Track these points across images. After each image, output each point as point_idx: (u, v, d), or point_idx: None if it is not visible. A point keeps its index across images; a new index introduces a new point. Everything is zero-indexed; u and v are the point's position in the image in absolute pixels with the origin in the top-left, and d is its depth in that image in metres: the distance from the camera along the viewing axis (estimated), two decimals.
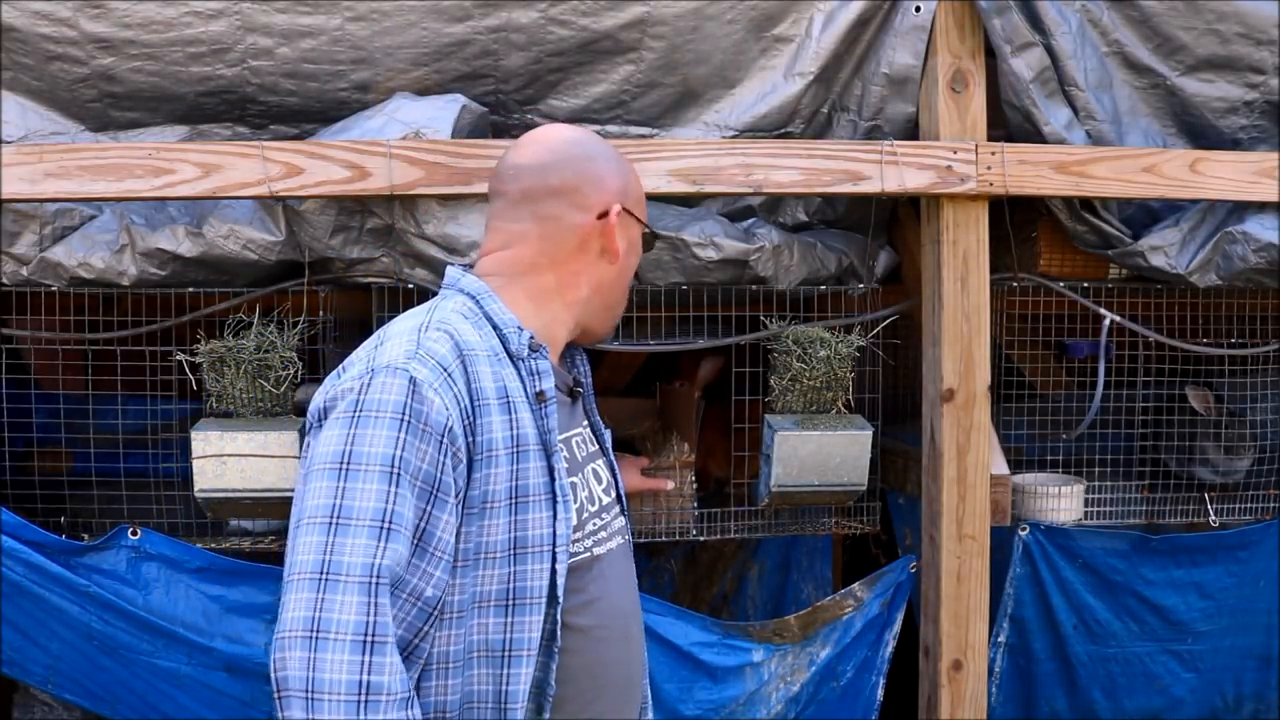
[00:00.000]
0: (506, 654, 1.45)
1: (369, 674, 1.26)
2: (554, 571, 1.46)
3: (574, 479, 1.55)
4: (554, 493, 1.48)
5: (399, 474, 1.34)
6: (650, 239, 1.72)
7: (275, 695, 1.28)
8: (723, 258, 2.65)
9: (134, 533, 2.52)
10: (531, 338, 1.53)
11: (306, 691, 1.25)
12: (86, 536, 2.57)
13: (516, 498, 1.46)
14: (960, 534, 2.68)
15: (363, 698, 1.25)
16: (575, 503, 1.53)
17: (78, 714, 2.84)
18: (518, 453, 1.46)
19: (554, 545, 1.46)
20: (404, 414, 1.37)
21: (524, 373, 1.51)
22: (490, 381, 1.46)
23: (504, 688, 1.45)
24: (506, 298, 1.57)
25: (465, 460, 1.41)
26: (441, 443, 1.38)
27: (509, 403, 1.47)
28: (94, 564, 2.51)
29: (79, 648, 2.51)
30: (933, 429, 2.72)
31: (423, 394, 1.38)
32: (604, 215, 1.60)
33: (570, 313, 1.61)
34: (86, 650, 2.52)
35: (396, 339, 1.48)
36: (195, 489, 2.41)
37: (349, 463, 1.35)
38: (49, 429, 2.77)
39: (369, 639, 1.27)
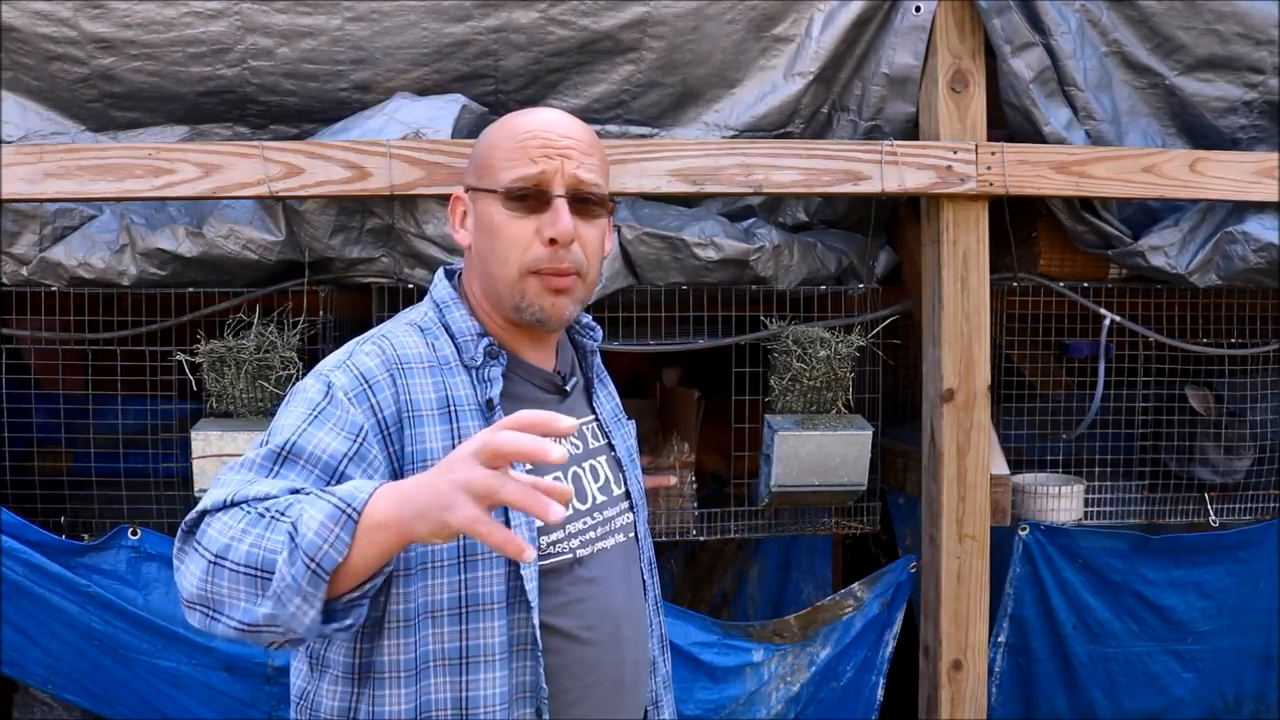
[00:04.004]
0: (464, 661, 1.45)
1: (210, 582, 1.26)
2: (520, 577, 1.46)
3: (540, 480, 1.53)
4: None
5: (285, 455, 1.37)
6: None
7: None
8: (723, 258, 2.65)
9: (134, 533, 2.52)
10: (490, 344, 1.53)
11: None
12: (86, 536, 2.57)
13: None
14: (960, 534, 2.68)
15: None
16: None
17: (78, 714, 2.84)
18: None
19: None
20: (312, 410, 1.41)
21: (475, 381, 1.52)
22: (429, 393, 1.48)
23: (464, 694, 1.45)
24: (470, 296, 1.58)
25: (389, 466, 1.43)
26: (354, 440, 1.40)
27: (451, 412, 1.48)
28: (94, 564, 2.51)
29: (79, 648, 2.52)
30: (933, 429, 2.72)
31: (336, 397, 1.42)
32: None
33: (483, 302, 1.59)
34: (86, 650, 2.52)
35: (342, 348, 1.52)
36: (195, 489, 2.42)
37: (259, 443, 1.42)
38: (49, 429, 2.77)
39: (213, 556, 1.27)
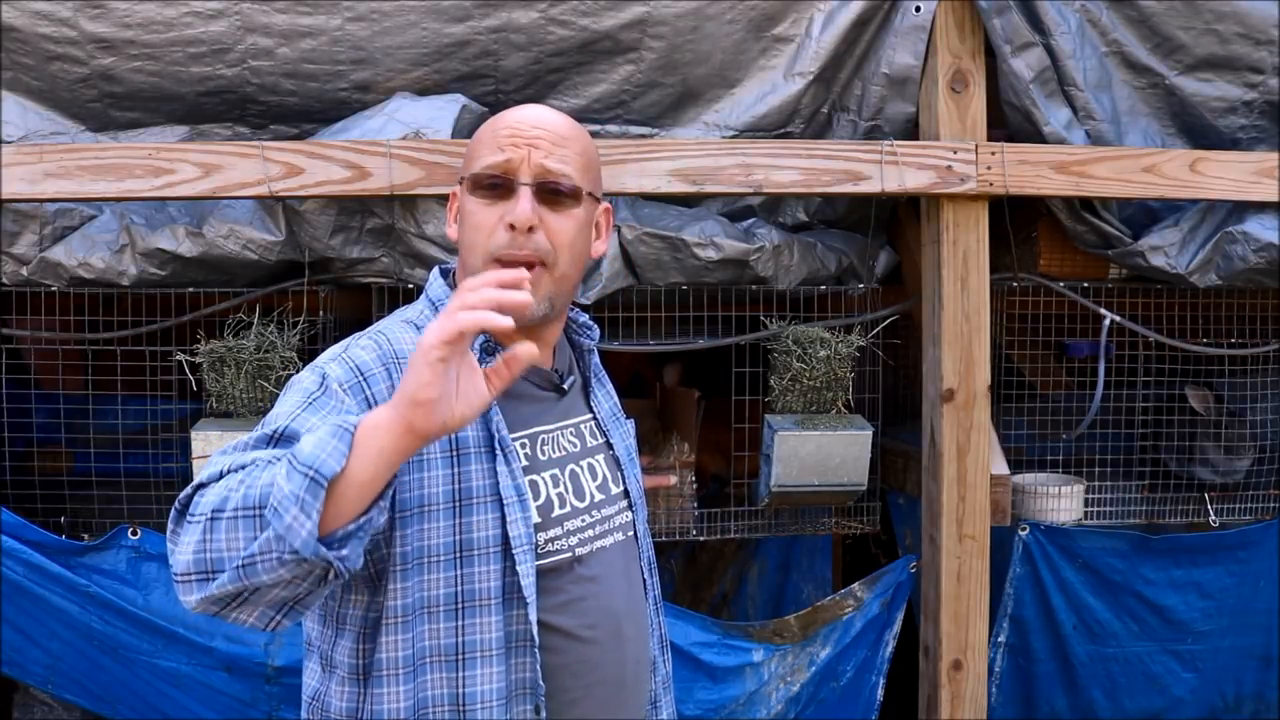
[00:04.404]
0: (460, 657, 1.45)
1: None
2: (516, 573, 1.47)
3: (537, 477, 1.54)
4: (500, 494, 1.47)
5: (278, 439, 1.36)
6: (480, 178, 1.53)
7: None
8: (723, 258, 2.65)
9: (134, 533, 2.52)
10: (486, 340, 1.53)
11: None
12: (86, 536, 2.57)
13: (459, 500, 1.46)
14: (960, 534, 2.68)
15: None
16: (538, 501, 1.52)
17: (78, 714, 2.84)
18: (457, 456, 1.47)
19: (507, 546, 1.47)
20: (306, 399, 1.41)
21: None
22: None
23: (460, 690, 1.45)
24: None
25: None
26: None
27: None
28: (94, 564, 2.51)
29: (79, 648, 2.52)
30: (933, 429, 2.72)
31: (330, 388, 1.42)
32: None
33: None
34: (86, 650, 2.52)
35: (338, 344, 1.53)
36: None
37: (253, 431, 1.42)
38: (49, 429, 2.77)
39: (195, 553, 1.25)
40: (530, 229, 1.48)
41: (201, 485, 1.29)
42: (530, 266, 1.49)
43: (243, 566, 1.21)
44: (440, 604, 1.45)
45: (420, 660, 1.45)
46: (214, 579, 1.23)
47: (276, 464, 1.23)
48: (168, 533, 1.30)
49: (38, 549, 2.46)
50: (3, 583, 2.44)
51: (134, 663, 2.52)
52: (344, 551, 1.22)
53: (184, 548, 1.25)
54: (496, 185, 1.50)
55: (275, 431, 1.35)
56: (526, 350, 1.25)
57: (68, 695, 2.58)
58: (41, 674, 2.54)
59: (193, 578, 1.25)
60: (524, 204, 1.48)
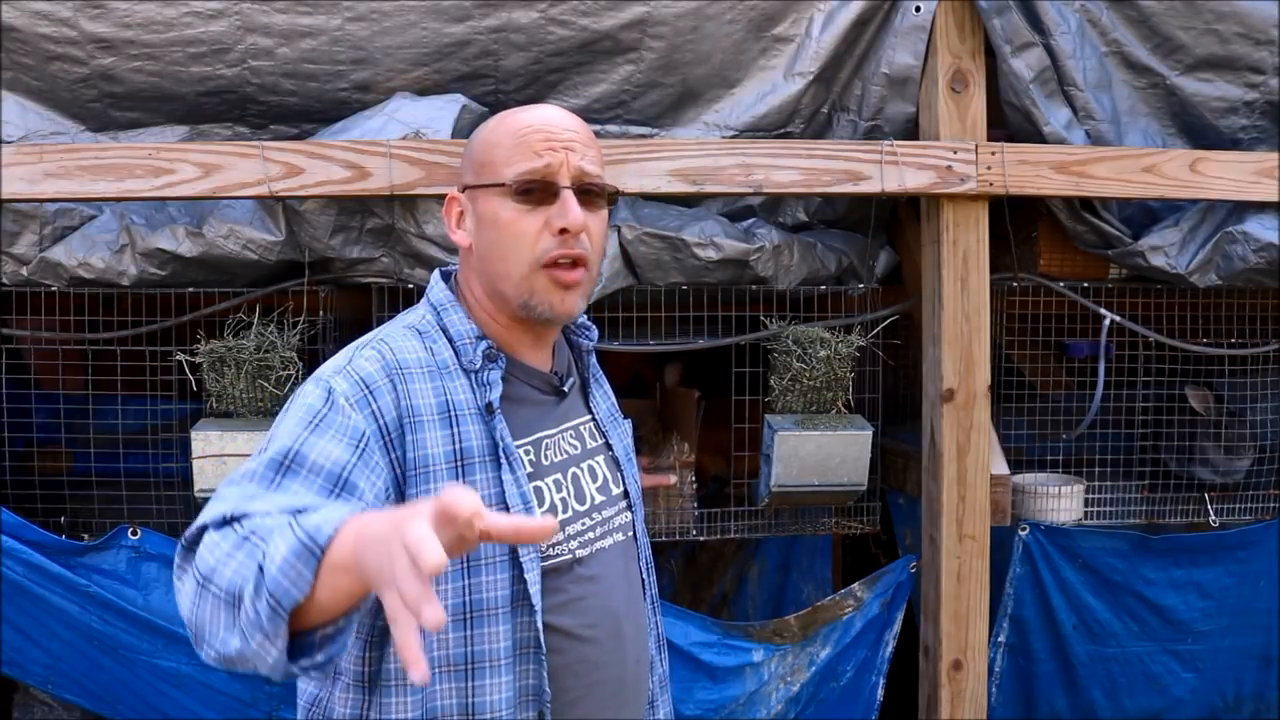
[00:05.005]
0: (470, 667, 1.45)
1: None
2: (524, 581, 1.47)
3: (541, 483, 1.54)
4: (506, 504, 1.47)
5: (287, 465, 1.34)
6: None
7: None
8: (723, 258, 2.65)
9: (134, 533, 2.52)
10: (489, 347, 1.53)
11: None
12: (86, 536, 2.57)
13: None
14: (960, 534, 2.68)
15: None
16: (542, 507, 1.52)
17: (78, 714, 2.84)
18: (462, 466, 1.47)
19: (515, 554, 1.47)
20: (313, 418, 1.39)
21: (474, 384, 1.51)
22: (429, 398, 1.47)
23: (470, 700, 1.45)
24: (469, 297, 1.58)
25: (390, 473, 1.42)
26: (356, 448, 1.38)
27: (451, 417, 1.48)
28: (94, 564, 2.51)
29: (79, 648, 2.52)
30: (933, 429, 2.72)
31: (337, 403, 1.41)
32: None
33: (485, 301, 1.57)
34: (86, 650, 2.52)
35: (340, 353, 1.52)
36: (195, 489, 2.42)
37: (258, 451, 1.39)
38: (49, 429, 2.77)
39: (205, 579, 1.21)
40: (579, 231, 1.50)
41: (206, 526, 1.24)
42: (577, 266, 1.51)
43: (222, 661, 1.18)
44: (449, 614, 1.44)
45: (429, 670, 1.44)
46: (201, 647, 1.21)
47: (258, 548, 1.16)
48: (175, 564, 1.27)
49: (38, 549, 2.46)
50: (3, 583, 2.44)
51: (134, 663, 2.52)
52: (318, 657, 1.16)
53: (184, 597, 1.22)
54: (534, 190, 1.50)
55: (284, 457, 1.34)
56: (540, 529, 1.07)
57: (68, 695, 2.58)
58: (41, 674, 2.55)
59: (191, 633, 1.22)
60: (575, 208, 1.49)
